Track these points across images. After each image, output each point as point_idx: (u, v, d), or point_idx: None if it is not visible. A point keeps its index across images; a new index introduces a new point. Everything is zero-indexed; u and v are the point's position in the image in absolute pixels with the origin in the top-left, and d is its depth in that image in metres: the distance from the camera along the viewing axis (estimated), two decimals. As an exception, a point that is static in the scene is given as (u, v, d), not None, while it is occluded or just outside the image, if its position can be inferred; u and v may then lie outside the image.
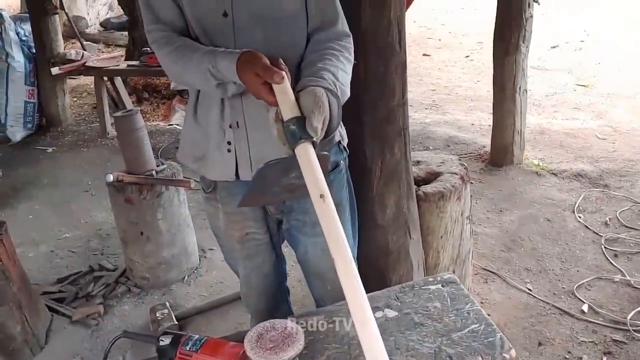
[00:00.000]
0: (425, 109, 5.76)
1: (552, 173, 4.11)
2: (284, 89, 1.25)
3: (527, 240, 3.34)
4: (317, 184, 1.13)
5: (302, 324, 1.34)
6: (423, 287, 1.43)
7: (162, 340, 1.21)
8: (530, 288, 2.92)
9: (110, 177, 3.02)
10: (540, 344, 2.54)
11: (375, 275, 2.18)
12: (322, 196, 1.12)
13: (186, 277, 3.28)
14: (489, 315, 2.65)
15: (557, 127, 4.96)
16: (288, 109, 1.22)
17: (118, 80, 5.90)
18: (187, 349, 1.18)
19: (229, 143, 1.53)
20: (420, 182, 2.59)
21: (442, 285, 1.43)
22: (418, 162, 2.74)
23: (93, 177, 4.72)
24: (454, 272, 2.67)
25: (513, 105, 3.98)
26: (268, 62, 1.29)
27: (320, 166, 1.19)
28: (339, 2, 1.54)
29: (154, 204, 3.04)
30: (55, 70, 5.61)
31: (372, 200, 2.08)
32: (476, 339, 1.25)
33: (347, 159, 1.72)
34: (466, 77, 6.59)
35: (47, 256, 3.73)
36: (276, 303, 1.87)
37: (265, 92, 1.26)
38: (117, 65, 5.60)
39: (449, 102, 5.88)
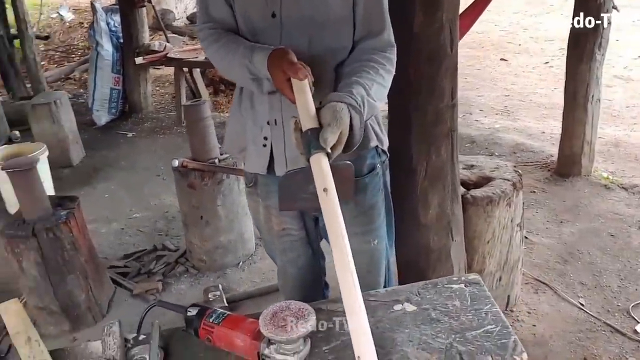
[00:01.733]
0: (496, 114, 5.65)
1: (622, 187, 3.94)
2: (302, 88, 1.32)
3: (585, 253, 3.24)
4: (324, 182, 1.21)
5: (323, 309, 1.41)
6: (446, 285, 1.46)
7: (190, 312, 1.31)
8: (583, 303, 2.83)
9: (176, 163, 3.20)
10: (585, 359, 2.48)
11: (415, 274, 2.20)
12: (325, 190, 1.20)
13: (241, 263, 3.42)
14: (534, 325, 2.63)
15: (635, 140, 4.73)
16: (307, 119, 1.29)
17: (196, 72, 6.17)
18: (211, 321, 1.27)
19: (265, 139, 1.60)
20: (471, 186, 2.58)
21: (465, 285, 1.45)
22: (472, 166, 2.73)
23: (166, 163, 4.97)
24: (500, 279, 2.65)
25: (584, 114, 3.85)
26: (295, 59, 1.36)
27: (344, 174, 1.30)
28: (387, 11, 1.56)
29: (214, 191, 3.19)
30: (138, 60, 5.95)
31: (415, 200, 2.11)
32: (489, 339, 1.26)
33: (386, 162, 1.75)
34: (543, 84, 6.39)
35: (118, 233, 3.98)
36: (312, 296, 1.93)
37: (287, 89, 1.36)
38: (196, 58, 5.85)
39: (522, 109, 5.73)
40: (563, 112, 4.01)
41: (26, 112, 5.23)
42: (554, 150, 4.43)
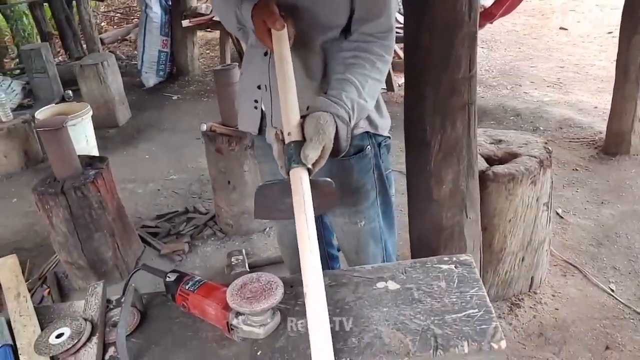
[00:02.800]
0: (547, 86, 5.39)
1: (674, 169, 3.70)
2: (280, 38, 1.30)
3: (623, 237, 3.07)
4: (302, 204, 1.16)
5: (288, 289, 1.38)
6: (435, 265, 1.40)
7: (169, 277, 1.32)
8: (614, 289, 2.70)
9: (204, 127, 3.22)
10: (607, 347, 2.37)
11: (427, 251, 2.14)
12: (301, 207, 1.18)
13: (267, 229, 3.44)
14: (556, 309, 2.54)
15: (694, 120, 4.41)
16: (290, 128, 1.25)
17: (241, 36, 6.15)
18: (187, 287, 1.27)
19: (255, 101, 1.61)
20: (496, 161, 2.48)
21: (455, 266, 1.39)
22: (500, 140, 2.62)
23: (206, 126, 5.02)
24: (523, 259, 2.55)
25: (636, 89, 3.61)
26: (276, 10, 1.34)
27: (324, 191, 1.26)
28: None
29: (241, 156, 3.20)
30: (185, 23, 5.99)
31: (428, 174, 2.03)
32: (469, 324, 1.21)
33: (384, 143, 1.70)
34: (602, 55, 6.04)
35: (153, 194, 4.09)
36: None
37: (267, 39, 1.35)
38: (241, 21, 5.82)
39: (576, 82, 5.45)
40: (614, 87, 3.77)
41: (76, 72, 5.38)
42: (603, 127, 4.19)
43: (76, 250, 2.89)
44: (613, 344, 2.39)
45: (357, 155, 1.63)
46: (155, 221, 3.67)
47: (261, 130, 1.65)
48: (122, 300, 1.32)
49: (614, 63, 3.79)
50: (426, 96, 1.93)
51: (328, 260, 2.08)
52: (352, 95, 1.36)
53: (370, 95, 1.42)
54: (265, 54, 1.54)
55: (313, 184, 1.22)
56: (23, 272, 1.69)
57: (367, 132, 1.64)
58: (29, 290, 2.09)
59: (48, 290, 3.02)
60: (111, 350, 1.22)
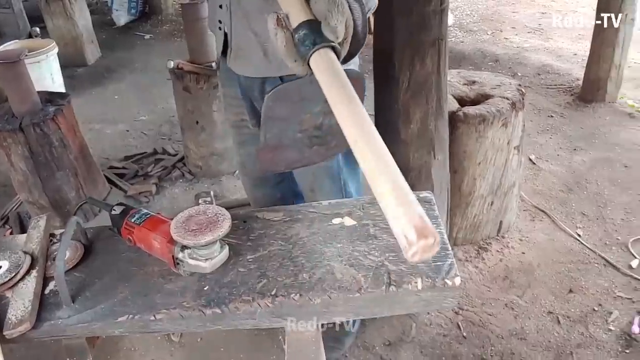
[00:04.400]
0: (528, 32, 5.30)
1: (648, 117, 3.69)
2: None
3: (593, 183, 3.07)
4: (341, 81, 0.86)
5: (259, 217, 1.34)
6: (394, 202, 1.36)
7: (114, 210, 1.26)
8: (580, 234, 2.71)
9: (171, 64, 3.10)
10: (571, 291, 2.39)
11: (393, 192, 2.10)
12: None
13: (237, 171, 3.37)
14: (523, 253, 2.54)
15: (674, 68, 4.39)
16: (296, 11, 0.95)
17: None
18: (132, 221, 1.21)
19: (220, 22, 1.52)
20: (469, 103, 2.42)
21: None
22: (473, 82, 2.55)
23: (177, 66, 4.87)
24: (492, 203, 2.53)
25: (614, 35, 3.54)
26: None
27: (356, 86, 0.88)
28: None
29: (210, 95, 3.09)
30: (157, -43, 5.73)
31: (397, 113, 1.97)
32: (424, 260, 1.18)
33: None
34: (585, 1, 5.93)
35: (122, 135, 3.97)
36: (275, 196, 1.86)
37: None
38: (215, -43, 5.58)
39: (557, 28, 5.35)
40: (593, 33, 3.70)
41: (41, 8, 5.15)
42: (582, 74, 4.14)
43: (37, 190, 2.80)
44: (577, 287, 2.41)
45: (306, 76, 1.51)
46: (122, 162, 3.58)
47: (225, 51, 1.56)
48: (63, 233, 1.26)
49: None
50: (395, 28, 1.85)
51: (294, 199, 2.03)
52: None
53: None
54: None
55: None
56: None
57: None
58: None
59: (10, 230, 2.94)
60: (51, 285, 1.17)
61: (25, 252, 1.20)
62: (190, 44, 3.17)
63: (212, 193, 3.34)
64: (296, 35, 0.92)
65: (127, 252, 1.25)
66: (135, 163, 3.56)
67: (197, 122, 3.18)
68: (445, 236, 1.25)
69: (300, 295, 1.11)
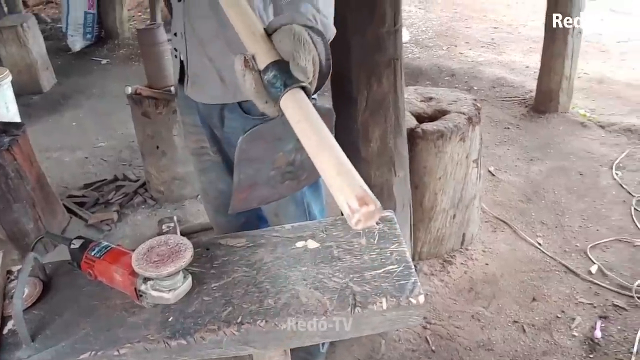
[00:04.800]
0: (482, 47, 5.44)
1: (600, 125, 3.81)
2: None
3: (550, 192, 3.15)
4: (311, 116, 0.87)
5: (222, 244, 1.33)
6: (356, 223, 1.37)
7: (73, 244, 1.23)
8: (541, 242, 2.77)
9: (129, 90, 3.07)
10: (534, 299, 2.44)
11: (356, 210, 2.12)
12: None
13: (199, 195, 3.34)
14: (487, 264, 2.59)
15: (620, 77, 4.55)
16: (262, 52, 0.94)
17: (172, -4, 5.90)
18: (92, 254, 1.19)
19: (175, 49, 1.54)
20: (426, 119, 2.47)
21: (376, 223, 1.36)
22: (430, 98, 2.61)
23: (136, 91, 4.83)
24: (454, 216, 2.57)
25: (564, 47, 3.67)
26: None
27: (326, 122, 0.89)
28: None
29: (169, 120, 3.08)
30: (111, -18, 5.69)
31: (356, 132, 2.00)
32: (388, 280, 1.19)
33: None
34: (535, 15, 6.09)
35: (81, 162, 3.91)
36: (241, 223, 1.86)
37: None
38: (171, -20, 5.57)
39: (509, 42, 5.52)
40: (543, 45, 3.82)
41: (-6, 35, 5.04)
42: (534, 86, 4.27)
43: (-7, 223, 2.73)
44: (539, 295, 2.46)
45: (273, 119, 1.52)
46: (82, 190, 3.52)
47: (182, 79, 1.57)
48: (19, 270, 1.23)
49: (545, 23, 3.83)
50: (351, 49, 1.88)
51: (258, 223, 2.02)
52: (310, 10, 1.14)
53: (328, 13, 1.22)
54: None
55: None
56: None
57: None
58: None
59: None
60: (10, 324, 1.14)
61: (-20, 292, 1.17)
62: (147, 69, 3.15)
63: (175, 218, 3.30)
64: (265, 77, 0.92)
65: (88, 286, 1.22)
66: (95, 191, 3.50)
67: (157, 147, 3.15)
68: (408, 255, 1.26)
69: (266, 321, 1.10)
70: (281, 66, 0.91)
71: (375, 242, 1.30)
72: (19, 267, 1.29)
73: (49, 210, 2.95)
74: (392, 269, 1.22)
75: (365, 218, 0.76)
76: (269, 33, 0.98)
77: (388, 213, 1.39)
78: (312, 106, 0.90)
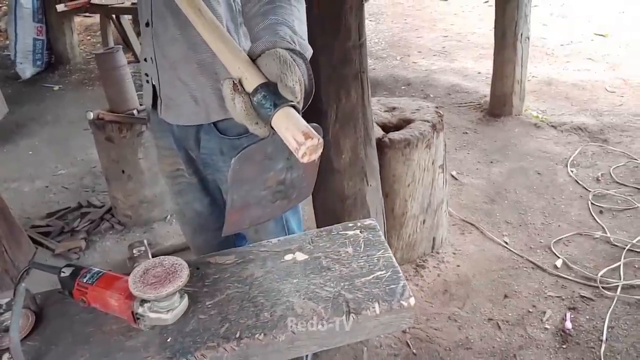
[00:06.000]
0: (434, 55, 5.60)
1: (552, 125, 3.98)
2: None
3: (512, 192, 3.27)
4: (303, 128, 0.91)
5: (211, 262, 1.35)
6: (341, 232, 1.41)
7: (63, 272, 1.22)
8: (507, 241, 2.87)
9: (91, 115, 3.04)
10: (506, 296, 2.52)
11: (331, 221, 2.13)
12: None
13: (168, 217, 3.33)
14: (458, 266, 2.66)
15: (566, 78, 4.77)
16: (250, 75, 0.97)
17: (124, 19, 5.86)
18: (85, 281, 1.19)
19: (147, 74, 1.55)
20: (392, 128, 2.54)
21: (360, 231, 1.40)
22: (393, 108, 2.68)
23: (94, 116, 4.75)
24: (424, 221, 2.64)
25: (514, 53, 3.83)
26: None
27: None
28: None
29: (134, 143, 3.06)
30: (60, 7, 5.60)
31: (327, 145, 2.04)
32: (378, 286, 1.23)
33: None
34: (482, 24, 6.35)
35: (41, 191, 3.82)
36: (218, 242, 1.87)
37: None
38: (122, 4, 5.55)
39: (460, 49, 5.70)
40: (494, 52, 3.98)
41: (-62, 66, 4.89)
42: (488, 91, 4.43)
43: (-43, 258, 2.65)
44: (510, 292, 2.55)
45: (247, 135, 1.52)
46: (45, 220, 3.44)
47: (155, 104, 1.58)
48: (13, 302, 1.22)
49: (493, 31, 3.99)
50: (319, 64, 1.92)
51: (235, 239, 2.03)
52: (288, 32, 1.15)
53: (303, 32, 1.23)
54: (147, 24, 1.47)
55: None
56: None
57: None
58: None
59: None
60: (5, 357, 1.12)
61: (-29, 327, 1.15)
62: (108, 93, 3.12)
63: (145, 242, 3.27)
64: (254, 99, 0.95)
65: (81, 313, 1.22)
66: (59, 219, 3.43)
67: (123, 172, 3.12)
68: (394, 260, 1.31)
69: (265, 334, 1.12)
70: (270, 87, 0.94)
71: (362, 250, 1.34)
72: (6, 299, 1.27)
73: (14, 242, 2.88)
74: (381, 274, 1.26)
75: (310, 151, 0.90)
76: (253, 59, 1.01)
77: (370, 221, 1.44)
78: (304, 120, 0.93)
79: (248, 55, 1.02)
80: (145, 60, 1.52)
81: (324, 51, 1.91)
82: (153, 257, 3.03)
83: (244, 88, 0.96)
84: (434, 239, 2.75)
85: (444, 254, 2.79)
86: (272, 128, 0.96)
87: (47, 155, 4.32)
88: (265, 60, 0.98)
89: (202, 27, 1.08)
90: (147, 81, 1.57)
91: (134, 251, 3.26)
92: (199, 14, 1.08)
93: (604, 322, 2.31)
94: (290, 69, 0.95)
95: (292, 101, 0.94)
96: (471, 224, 3.01)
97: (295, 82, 0.95)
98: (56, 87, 5.71)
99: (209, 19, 1.07)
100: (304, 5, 1.32)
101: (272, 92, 0.94)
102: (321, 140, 0.91)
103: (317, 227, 2.26)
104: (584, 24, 6.11)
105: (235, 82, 0.96)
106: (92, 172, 3.97)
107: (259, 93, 0.94)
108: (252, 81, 0.96)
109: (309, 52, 1.21)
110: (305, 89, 1.02)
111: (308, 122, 1.71)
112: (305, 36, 1.27)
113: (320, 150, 0.92)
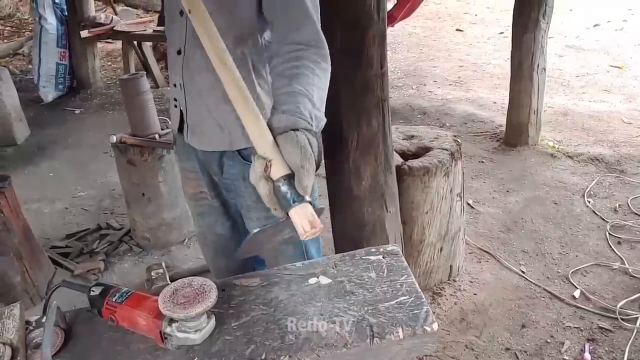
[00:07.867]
0: (449, 85, 5.65)
1: (568, 156, 3.99)
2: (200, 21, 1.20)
3: (529, 222, 3.27)
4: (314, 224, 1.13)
5: (236, 284, 1.37)
6: (364, 257, 1.43)
7: (93, 291, 1.25)
8: (524, 270, 2.87)
9: (114, 139, 3.10)
10: (523, 326, 2.51)
11: (350, 248, 2.16)
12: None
13: (186, 240, 3.36)
14: (475, 294, 2.65)
15: (582, 109, 4.79)
16: (277, 162, 1.12)
17: (146, 46, 5.99)
18: (114, 300, 1.21)
19: (175, 99, 1.60)
20: (410, 156, 2.57)
21: (383, 257, 1.42)
22: (412, 136, 2.71)
23: (114, 140, 4.83)
24: (441, 249, 2.65)
25: (530, 83, 3.87)
26: None
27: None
28: (309, 5, 1.40)
29: (155, 167, 3.11)
30: (84, 33, 5.75)
31: (347, 172, 2.07)
32: (401, 311, 1.24)
33: None
34: (497, 54, 6.41)
35: (61, 213, 3.87)
36: (238, 265, 1.89)
37: None
38: (144, 31, 5.68)
39: (475, 79, 5.75)
40: (510, 82, 4.02)
41: (-35, 89, 5.01)
42: (503, 120, 4.45)
43: (-21, 277, 2.69)
44: (528, 321, 2.53)
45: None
46: (65, 241, 3.48)
47: (181, 128, 1.63)
48: (44, 320, 1.24)
49: (508, 61, 4.04)
50: (340, 95, 1.96)
51: (255, 265, 2.06)
52: (308, 106, 1.25)
53: (321, 106, 1.32)
54: (179, 52, 1.52)
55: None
56: None
57: None
58: None
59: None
60: (36, 374, 1.15)
61: (3, 343, 1.18)
62: (131, 118, 3.19)
63: (163, 264, 3.31)
64: (277, 186, 1.11)
65: (109, 332, 1.24)
66: (78, 241, 3.47)
67: (143, 194, 3.17)
68: (417, 286, 1.33)
69: (290, 356, 1.14)
70: (291, 181, 1.11)
71: (385, 275, 1.36)
72: (36, 317, 1.30)
73: (35, 262, 2.93)
74: (404, 299, 1.28)
75: (312, 235, 1.12)
76: (274, 134, 1.14)
77: (393, 247, 1.46)
78: (317, 216, 1.12)
79: (269, 125, 1.16)
80: (175, 85, 1.57)
81: (345, 80, 1.95)
82: (171, 280, 3.07)
83: (269, 173, 1.11)
84: (450, 266, 2.75)
85: (460, 282, 2.79)
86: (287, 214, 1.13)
87: (67, 178, 4.39)
88: (288, 145, 1.12)
89: (229, 86, 1.21)
90: (175, 106, 1.62)
91: (152, 273, 3.30)
92: (227, 70, 1.21)
93: (623, 354, 2.29)
94: (309, 162, 1.11)
95: (309, 199, 1.12)
96: (488, 253, 3.01)
97: (310, 180, 1.11)
98: (77, 111, 5.82)
99: (236, 78, 1.20)
100: (329, 70, 1.40)
101: (292, 186, 1.11)
102: (322, 226, 1.13)
103: (336, 252, 2.28)
104: (599, 56, 6.15)
105: (267, 164, 1.11)
106: (111, 195, 4.03)
107: (283, 185, 1.10)
108: (278, 169, 1.11)
109: (322, 122, 1.31)
110: (316, 161, 1.16)
111: (329, 149, 1.77)
112: (323, 104, 1.34)
113: (319, 232, 1.14)
